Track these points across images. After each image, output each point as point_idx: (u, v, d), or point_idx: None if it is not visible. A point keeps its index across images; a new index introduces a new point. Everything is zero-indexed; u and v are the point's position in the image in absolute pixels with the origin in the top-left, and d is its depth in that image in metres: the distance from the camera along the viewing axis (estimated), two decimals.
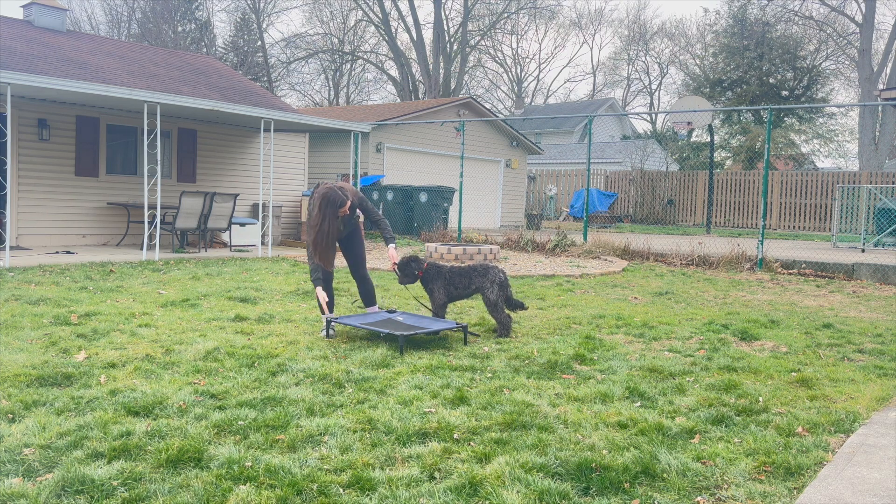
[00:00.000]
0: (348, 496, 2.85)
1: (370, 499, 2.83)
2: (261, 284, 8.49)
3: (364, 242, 6.41)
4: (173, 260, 10.69)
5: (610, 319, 6.72)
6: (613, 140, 37.72)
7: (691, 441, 3.51)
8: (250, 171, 15.16)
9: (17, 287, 7.56)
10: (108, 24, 42.57)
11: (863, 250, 13.64)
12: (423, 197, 16.80)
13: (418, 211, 16.79)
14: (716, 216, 25.23)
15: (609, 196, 26.38)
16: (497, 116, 31.59)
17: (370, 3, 41.75)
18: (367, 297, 6.32)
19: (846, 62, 36.37)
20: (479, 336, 5.89)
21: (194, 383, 4.27)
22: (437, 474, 3.07)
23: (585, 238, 13.91)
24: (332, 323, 5.74)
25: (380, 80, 50.27)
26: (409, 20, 41.72)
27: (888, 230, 14.04)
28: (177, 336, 5.54)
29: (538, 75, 68.72)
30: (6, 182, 11.41)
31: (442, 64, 40.70)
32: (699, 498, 2.90)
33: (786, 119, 34.31)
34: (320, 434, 3.49)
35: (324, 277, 5.94)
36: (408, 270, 6.14)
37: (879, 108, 28.43)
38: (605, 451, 3.33)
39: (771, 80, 34.03)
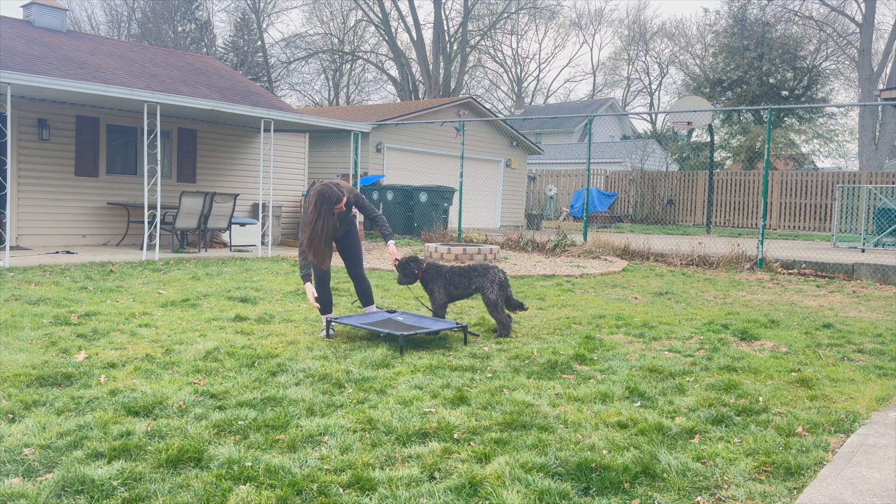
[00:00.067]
0: (348, 496, 2.85)
1: (370, 499, 2.83)
2: (261, 284, 8.49)
3: (361, 242, 6.39)
4: (173, 260, 10.69)
5: (610, 319, 6.72)
6: (613, 140, 37.72)
7: (691, 441, 3.51)
8: (250, 171, 15.16)
9: (17, 287, 7.56)
10: (108, 24, 42.60)
11: (863, 250, 13.64)
12: (423, 197, 16.80)
13: (418, 211, 16.79)
14: (716, 216, 25.23)
15: (609, 196, 26.38)
16: (497, 116, 31.59)
17: (370, 3, 41.78)
18: (365, 296, 6.30)
19: (846, 62, 36.39)
20: (478, 336, 5.89)
21: (194, 383, 4.27)
22: (437, 474, 3.07)
23: (585, 238, 13.91)
24: (332, 323, 5.74)
25: (380, 80, 50.32)
26: (409, 20, 41.77)
27: (888, 230, 14.04)
28: (177, 336, 5.54)
29: (538, 75, 68.79)
30: (6, 182, 11.41)
31: (442, 64, 40.70)
32: (699, 498, 2.90)
33: (786, 119, 34.31)
34: (320, 434, 3.49)
35: (321, 277, 5.92)
36: (407, 270, 6.14)
37: (879, 108, 28.43)
38: (605, 451, 3.33)
39: (771, 80, 34.03)
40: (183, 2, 41.68)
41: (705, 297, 8.51)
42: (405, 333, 5.27)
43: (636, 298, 8.28)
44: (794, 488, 3.00)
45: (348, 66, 48.67)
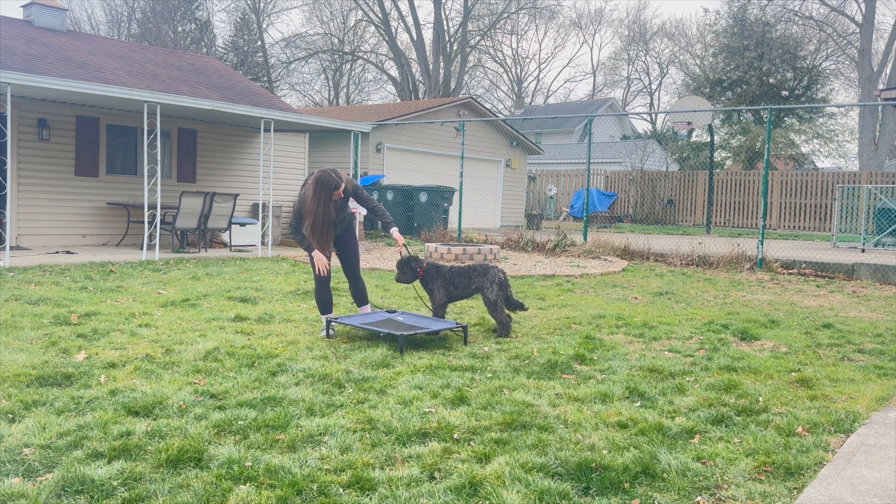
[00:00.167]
0: (348, 496, 2.85)
1: (370, 499, 2.83)
2: (261, 284, 8.49)
3: (358, 242, 6.36)
4: (173, 260, 10.69)
5: (610, 319, 6.72)
6: (613, 140, 37.72)
7: (691, 441, 3.51)
8: (250, 171, 15.16)
9: (17, 287, 7.56)
10: (108, 24, 42.60)
11: (863, 250, 13.64)
12: (423, 197, 16.80)
13: (418, 211, 16.79)
14: (716, 216, 25.23)
15: (609, 196, 26.38)
16: (497, 116, 31.59)
17: (370, 3, 41.77)
18: (359, 296, 6.24)
19: (846, 62, 36.38)
20: (477, 338, 5.89)
21: (194, 383, 4.27)
22: (437, 474, 3.07)
23: (585, 238, 13.91)
24: (332, 323, 5.74)
25: (380, 80, 50.32)
26: (409, 20, 41.77)
27: (888, 230, 14.04)
28: (177, 336, 5.54)
29: (538, 75, 68.78)
30: (6, 182, 11.41)
31: (442, 64, 40.70)
32: (699, 498, 2.90)
33: (786, 119, 34.31)
34: (320, 434, 3.49)
35: (321, 279, 5.91)
36: (407, 268, 6.13)
37: (879, 108, 28.43)
38: (605, 451, 3.33)
39: (771, 80, 34.03)
40: (183, 2, 41.68)
41: (705, 297, 8.51)
42: (405, 333, 5.27)
43: (636, 298, 8.28)
44: (794, 488, 3.00)
45: (348, 66, 48.68)
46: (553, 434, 3.56)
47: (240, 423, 3.60)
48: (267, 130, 13.77)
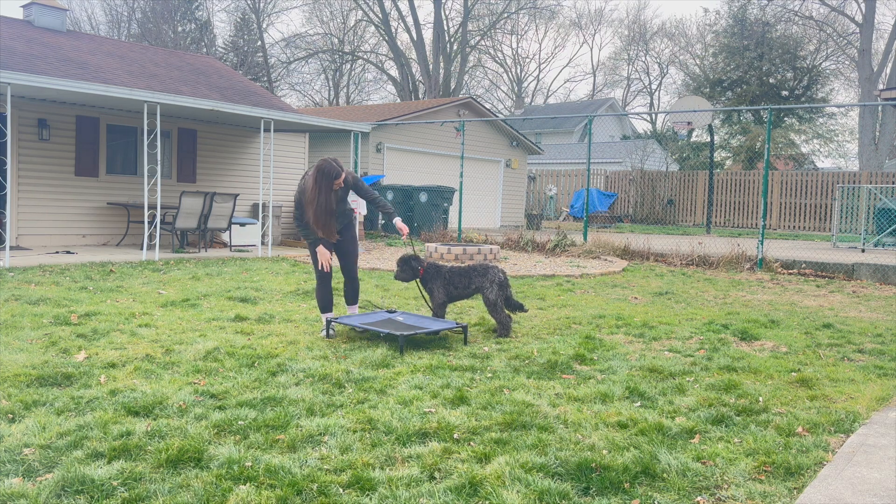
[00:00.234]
0: (348, 496, 2.85)
1: (370, 499, 2.83)
2: (261, 284, 8.49)
3: (358, 241, 6.34)
4: (173, 260, 10.69)
5: (610, 319, 6.72)
6: (613, 140, 37.72)
7: (691, 441, 3.51)
8: (250, 171, 15.16)
9: (17, 287, 7.56)
10: (108, 24, 42.60)
11: (863, 250, 13.64)
12: (423, 197, 16.80)
13: (418, 211, 16.79)
14: (716, 216, 25.23)
15: (609, 196, 26.38)
16: (497, 116, 31.59)
17: (370, 3, 41.77)
18: (351, 295, 6.18)
19: (846, 62, 36.39)
20: (476, 339, 5.89)
21: (194, 383, 4.27)
22: (437, 474, 3.07)
23: (585, 238, 13.91)
24: (332, 323, 5.73)
25: (380, 80, 50.32)
26: (409, 20, 41.77)
27: (888, 230, 14.04)
28: (177, 336, 5.54)
29: (538, 75, 68.78)
30: (6, 182, 11.42)
31: (442, 64, 40.70)
32: (699, 498, 2.90)
33: (786, 119, 34.31)
34: (320, 434, 3.49)
35: (322, 275, 5.91)
36: (407, 267, 6.13)
37: (879, 108, 28.43)
38: (605, 451, 3.33)
39: (771, 80, 34.03)
40: (183, 2, 41.68)
41: (705, 297, 8.51)
42: (405, 333, 5.27)
43: (636, 298, 8.28)
44: (794, 488, 3.00)
45: (348, 66, 48.69)
46: (553, 434, 3.56)
47: (240, 423, 3.60)
48: (267, 130, 13.77)
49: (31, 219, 12.13)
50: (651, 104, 54.28)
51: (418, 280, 6.22)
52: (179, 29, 42.27)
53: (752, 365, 5.04)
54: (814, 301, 8.43)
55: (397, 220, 5.89)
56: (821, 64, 35.76)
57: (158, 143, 11.38)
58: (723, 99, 35.16)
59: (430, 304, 6.28)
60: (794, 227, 24.22)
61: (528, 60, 66.28)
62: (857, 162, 31.80)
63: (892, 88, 22.21)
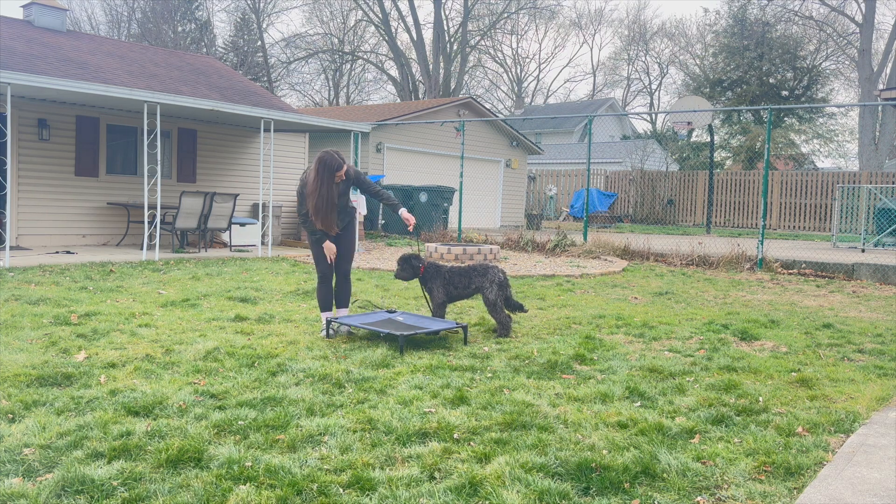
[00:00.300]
0: (348, 496, 2.85)
1: (370, 499, 2.83)
2: (261, 284, 8.49)
3: (356, 241, 6.30)
4: (173, 260, 10.69)
5: (610, 319, 6.72)
6: (613, 140, 37.72)
7: (691, 441, 3.51)
8: (250, 171, 15.16)
9: (17, 287, 7.56)
10: (108, 24, 42.60)
11: (863, 250, 13.64)
12: (423, 197, 16.80)
13: (418, 211, 16.79)
14: (716, 216, 25.23)
15: (609, 196, 26.38)
16: (497, 116, 31.59)
17: (370, 3, 41.78)
18: (342, 297, 6.08)
19: (846, 62, 36.39)
20: (476, 339, 5.89)
21: (194, 383, 4.27)
22: (437, 474, 3.07)
23: (585, 238, 13.91)
24: (332, 323, 5.73)
25: (380, 80, 50.33)
26: (409, 20, 41.78)
27: (888, 230, 14.04)
28: (177, 336, 5.54)
29: (538, 75, 68.79)
30: (6, 182, 11.42)
31: (442, 64, 40.70)
32: (699, 498, 2.90)
33: (786, 119, 34.31)
34: (320, 434, 3.49)
35: (324, 274, 5.90)
36: (407, 265, 6.13)
37: (879, 108, 28.43)
38: (605, 451, 3.33)
39: (771, 80, 34.03)
40: (183, 2, 41.68)
41: (705, 297, 8.51)
42: (405, 333, 5.27)
43: (636, 298, 8.28)
44: (794, 488, 3.00)
45: (348, 66, 48.69)
46: (553, 434, 3.56)
47: (240, 423, 3.60)
48: (267, 130, 13.77)
49: (31, 219, 12.13)
50: (651, 104, 54.30)
51: (418, 280, 6.22)
52: (179, 29, 42.27)
53: (752, 365, 5.04)
54: (814, 301, 8.43)
55: (402, 211, 5.78)
56: (821, 64, 35.77)
57: (158, 143, 11.38)
58: (723, 99, 35.16)
59: (430, 304, 6.28)
60: (794, 227, 24.22)
61: (528, 60, 66.34)
62: (857, 162, 31.81)
63: (892, 88, 22.21)
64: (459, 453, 3.28)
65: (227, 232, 12.88)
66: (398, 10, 42.71)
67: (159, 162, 12.04)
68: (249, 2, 44.31)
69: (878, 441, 3.51)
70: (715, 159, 26.88)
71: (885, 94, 16.05)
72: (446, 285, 6.08)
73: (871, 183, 21.76)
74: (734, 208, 25.45)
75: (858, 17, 32.13)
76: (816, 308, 7.87)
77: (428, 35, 42.05)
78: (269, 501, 2.77)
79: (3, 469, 3.00)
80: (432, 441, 3.43)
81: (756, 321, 6.79)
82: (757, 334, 6.14)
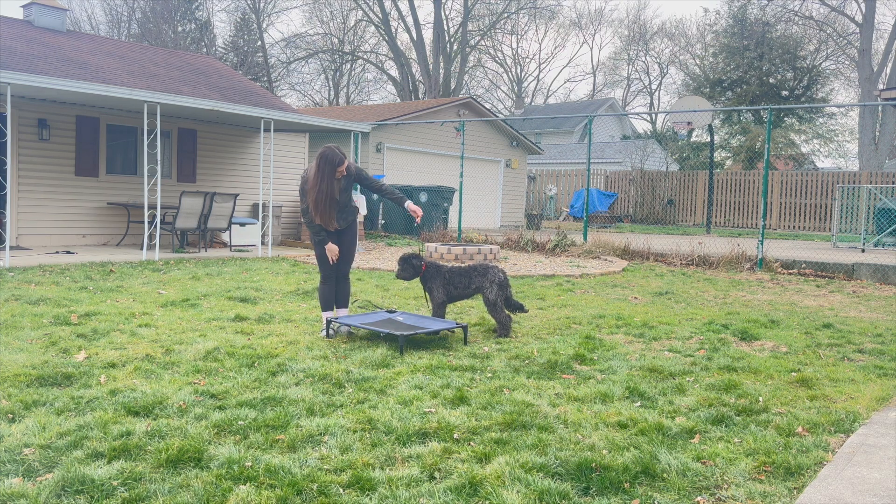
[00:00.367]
0: (348, 496, 2.85)
1: (370, 499, 2.83)
2: (261, 284, 8.49)
3: (357, 241, 6.29)
4: (173, 260, 10.69)
5: (610, 319, 6.72)
6: (613, 140, 37.72)
7: (691, 441, 3.51)
8: (250, 171, 15.16)
9: (17, 287, 7.56)
10: (108, 24, 42.60)
11: (863, 250, 13.64)
12: (423, 197, 16.80)
13: None
14: (716, 216, 25.23)
15: (609, 196, 26.38)
16: (497, 116, 31.59)
17: (370, 3, 41.78)
18: (341, 297, 6.08)
19: (846, 62, 36.39)
20: (477, 339, 5.89)
21: (194, 383, 4.27)
22: (437, 474, 3.07)
23: (585, 238, 13.91)
24: (332, 323, 5.73)
25: (380, 80, 50.33)
26: (409, 20, 41.78)
27: (888, 230, 14.04)
28: (177, 336, 5.54)
29: (538, 75, 68.79)
30: (6, 182, 11.42)
31: (442, 64, 40.70)
32: (699, 498, 2.90)
33: (786, 119, 34.31)
34: (320, 434, 3.49)
35: (326, 274, 5.89)
36: (408, 265, 6.13)
37: (879, 108, 28.43)
38: (605, 451, 3.33)
39: (771, 80, 34.03)
40: (183, 2, 41.68)
41: (705, 297, 8.51)
42: (405, 333, 5.27)
43: (636, 298, 8.28)
44: (794, 488, 3.00)
45: (348, 66, 48.69)
46: (553, 434, 3.56)
47: (240, 423, 3.60)
48: (267, 130, 13.77)
49: (31, 219, 12.13)
50: (651, 104, 54.30)
51: (419, 280, 6.22)
52: (179, 29, 42.28)
53: (752, 365, 5.04)
54: (814, 301, 8.43)
55: (409, 204, 5.79)
56: (821, 64, 35.77)
57: (158, 143, 11.38)
58: (723, 99, 35.16)
59: (430, 304, 6.28)
60: (794, 227, 24.22)
61: (528, 60, 66.32)
62: (857, 162, 31.81)
63: (892, 88, 22.21)
64: (459, 453, 3.28)
65: (227, 232, 12.88)
66: (398, 10, 42.74)
67: (159, 162, 12.04)
68: (249, 2, 44.32)
69: (878, 441, 3.51)
70: (715, 159, 26.88)
71: (885, 94, 16.05)
72: (446, 285, 6.08)
73: (870, 183, 21.76)
74: (734, 208, 25.45)
75: (858, 17, 32.14)
76: (816, 308, 7.87)
77: (428, 35, 42.08)
78: (269, 501, 2.77)
79: (3, 469, 3.00)
80: (432, 441, 3.43)
81: (756, 321, 6.79)
82: (757, 334, 6.14)
